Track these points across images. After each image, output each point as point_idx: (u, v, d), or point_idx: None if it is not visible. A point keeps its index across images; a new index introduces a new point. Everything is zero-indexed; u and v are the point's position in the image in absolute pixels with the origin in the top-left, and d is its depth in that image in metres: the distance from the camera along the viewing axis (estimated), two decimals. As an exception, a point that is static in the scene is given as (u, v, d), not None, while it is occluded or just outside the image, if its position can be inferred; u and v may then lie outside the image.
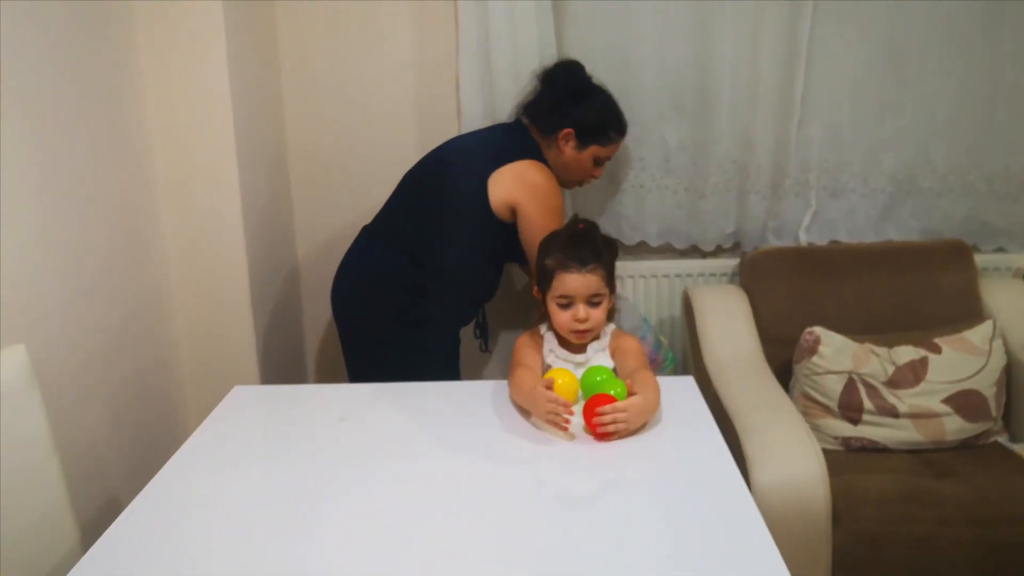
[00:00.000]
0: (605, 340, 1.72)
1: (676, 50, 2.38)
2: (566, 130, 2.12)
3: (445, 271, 2.08)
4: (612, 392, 1.51)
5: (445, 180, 2.10)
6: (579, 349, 1.71)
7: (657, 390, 1.55)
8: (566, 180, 2.19)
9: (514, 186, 2.03)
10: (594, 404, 1.48)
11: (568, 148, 2.13)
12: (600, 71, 2.36)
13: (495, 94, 2.32)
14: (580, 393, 1.60)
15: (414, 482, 1.37)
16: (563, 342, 1.72)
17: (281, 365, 2.44)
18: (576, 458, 1.44)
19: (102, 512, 1.83)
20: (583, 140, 2.13)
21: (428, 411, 1.64)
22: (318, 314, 2.64)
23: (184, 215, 2.14)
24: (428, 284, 2.08)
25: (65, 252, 1.77)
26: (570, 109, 2.12)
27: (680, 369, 2.47)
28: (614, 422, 1.45)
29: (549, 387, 1.52)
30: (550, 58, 2.30)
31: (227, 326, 2.20)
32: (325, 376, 2.71)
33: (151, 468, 1.45)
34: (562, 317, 1.67)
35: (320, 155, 2.53)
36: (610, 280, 1.70)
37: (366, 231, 2.19)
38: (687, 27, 2.35)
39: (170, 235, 2.16)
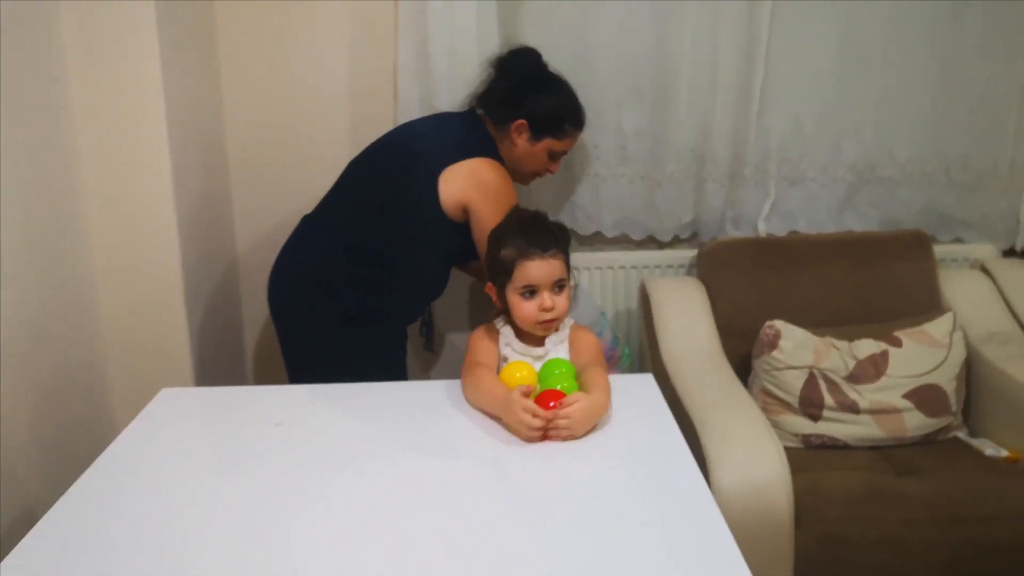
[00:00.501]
0: (564, 332, 1.63)
1: (634, 34, 2.29)
2: (519, 121, 2.00)
3: (394, 267, 1.97)
4: (561, 386, 1.45)
5: (394, 174, 1.98)
6: (538, 342, 1.62)
7: (606, 389, 1.47)
8: (520, 174, 2.08)
9: (466, 185, 1.92)
10: (542, 401, 1.40)
11: (521, 140, 2.03)
12: (555, 55, 2.26)
13: (432, 78, 2.22)
14: (537, 387, 1.51)
15: (360, 490, 1.27)
16: (521, 335, 1.63)
17: (217, 365, 2.30)
18: (534, 459, 1.35)
19: (15, 526, 1.69)
20: (536, 132, 2.02)
21: (374, 413, 1.53)
22: (258, 310, 2.51)
23: (110, 202, 1.98)
24: (374, 279, 1.96)
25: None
26: (523, 99, 2.01)
27: (637, 364, 2.39)
28: (555, 427, 1.36)
29: (526, 393, 1.42)
30: (490, 40, 2.20)
31: (158, 323, 2.06)
32: (265, 377, 2.58)
33: (72, 477, 1.33)
34: (526, 309, 1.57)
35: (260, 140, 2.39)
36: (568, 264, 1.62)
37: (306, 221, 2.07)
38: (645, 10, 2.27)
39: (95, 224, 2.00)
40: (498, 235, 1.65)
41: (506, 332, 1.65)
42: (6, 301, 1.70)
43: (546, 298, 1.56)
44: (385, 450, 1.39)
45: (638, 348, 2.43)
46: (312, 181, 2.28)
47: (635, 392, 1.59)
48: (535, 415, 1.38)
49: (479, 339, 1.66)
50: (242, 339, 2.55)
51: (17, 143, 1.72)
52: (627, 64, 2.31)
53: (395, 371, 2.04)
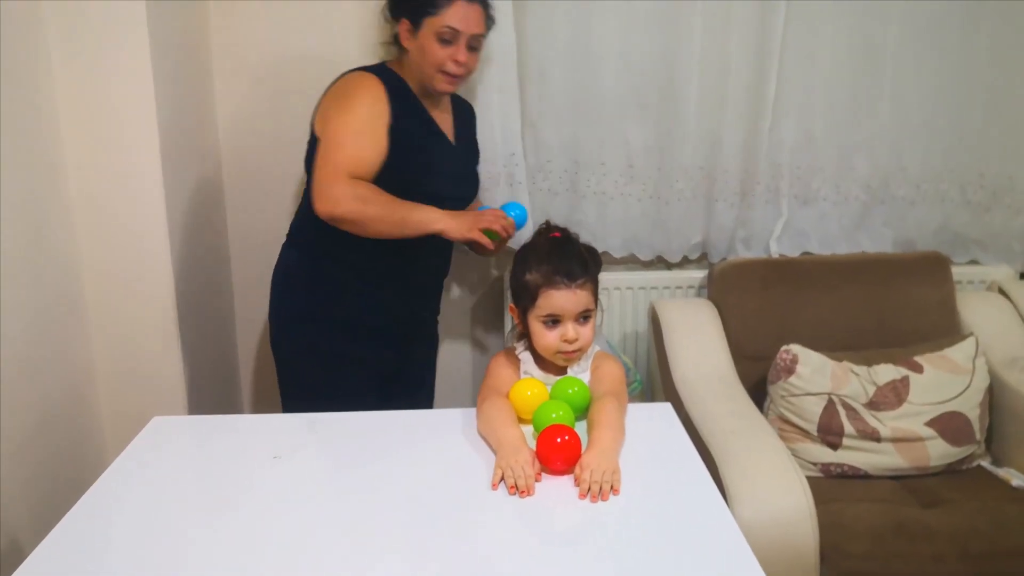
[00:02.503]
0: (587, 362, 1.55)
1: (640, 45, 2.22)
2: (400, 24, 1.85)
3: (326, 254, 1.89)
4: (556, 416, 1.38)
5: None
6: (559, 371, 1.55)
7: (612, 425, 1.38)
8: (429, 79, 1.84)
9: (322, 110, 1.83)
10: (547, 436, 1.32)
11: (410, 42, 1.83)
12: (560, 67, 2.23)
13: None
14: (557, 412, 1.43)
15: (363, 526, 1.19)
16: (541, 362, 1.56)
17: (212, 392, 2.21)
18: (553, 493, 1.27)
19: (1, 561, 1.60)
20: (413, 20, 1.82)
21: (383, 442, 1.45)
22: (252, 334, 2.42)
23: (99, 220, 1.89)
24: (321, 274, 1.90)
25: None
26: (394, 3, 1.88)
27: (648, 389, 2.31)
28: (600, 490, 1.26)
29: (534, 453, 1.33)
30: (508, 54, 2.14)
31: (150, 347, 1.96)
32: (264, 404, 2.49)
33: (61, 509, 1.25)
34: (548, 338, 1.49)
35: (254, 155, 2.31)
36: (596, 293, 1.54)
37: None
38: (652, 21, 2.20)
39: (83, 243, 1.91)
40: (524, 255, 1.57)
41: (526, 359, 1.57)
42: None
43: (570, 329, 1.48)
44: (394, 482, 1.31)
45: (647, 372, 2.35)
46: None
47: (654, 422, 1.51)
48: (527, 481, 1.27)
49: (498, 366, 1.58)
50: (236, 364, 2.46)
51: (1, 160, 1.64)
52: (633, 74, 2.24)
53: (374, 383, 1.96)
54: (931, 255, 2.27)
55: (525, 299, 1.53)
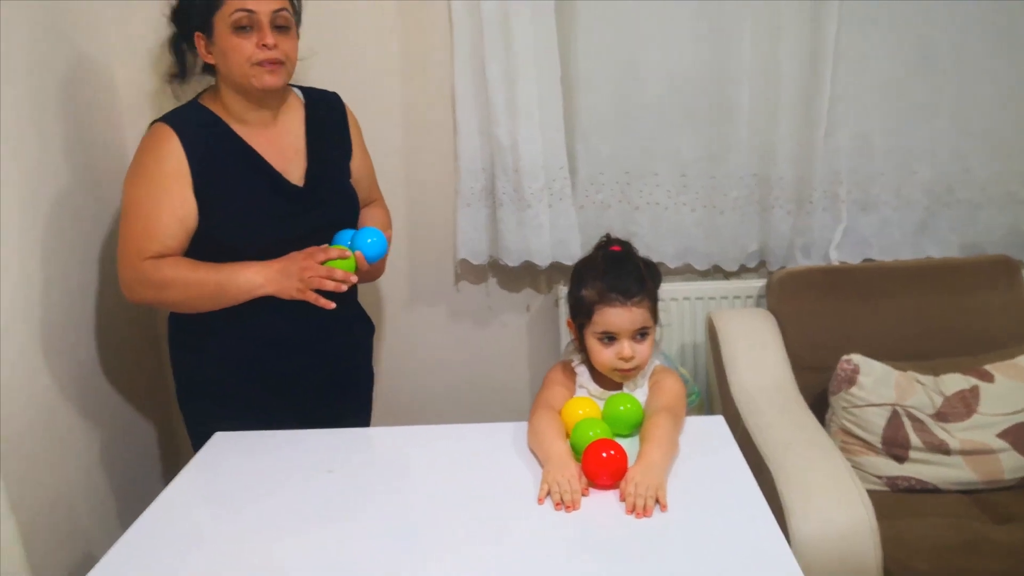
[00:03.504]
0: (645, 378, 1.54)
1: (688, 54, 2.19)
2: (196, 41, 1.65)
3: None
4: (594, 433, 1.37)
5: None
6: (615, 385, 1.54)
7: (662, 441, 1.36)
8: (244, 79, 1.63)
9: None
10: (594, 451, 1.31)
11: (209, 53, 1.64)
12: (608, 78, 2.22)
13: (490, 106, 2.16)
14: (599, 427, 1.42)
15: (410, 537, 1.22)
16: (598, 376, 1.56)
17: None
18: (602, 507, 1.27)
19: (75, 573, 1.67)
20: (203, 27, 1.62)
21: (432, 458, 1.46)
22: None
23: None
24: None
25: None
26: (177, 22, 1.70)
27: (706, 401, 2.28)
28: (643, 505, 1.24)
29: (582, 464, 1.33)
30: (550, 64, 2.13)
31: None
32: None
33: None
34: (604, 355, 1.49)
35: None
36: (655, 310, 1.52)
37: None
38: (700, 29, 2.17)
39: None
40: (581, 270, 1.57)
41: (582, 372, 1.57)
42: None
43: (625, 347, 1.47)
44: (443, 495, 1.33)
45: (705, 384, 2.32)
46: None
47: (705, 436, 1.49)
48: (573, 496, 1.27)
49: (553, 379, 1.58)
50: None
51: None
52: (681, 84, 2.21)
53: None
54: (999, 259, 2.19)
55: (581, 315, 1.52)
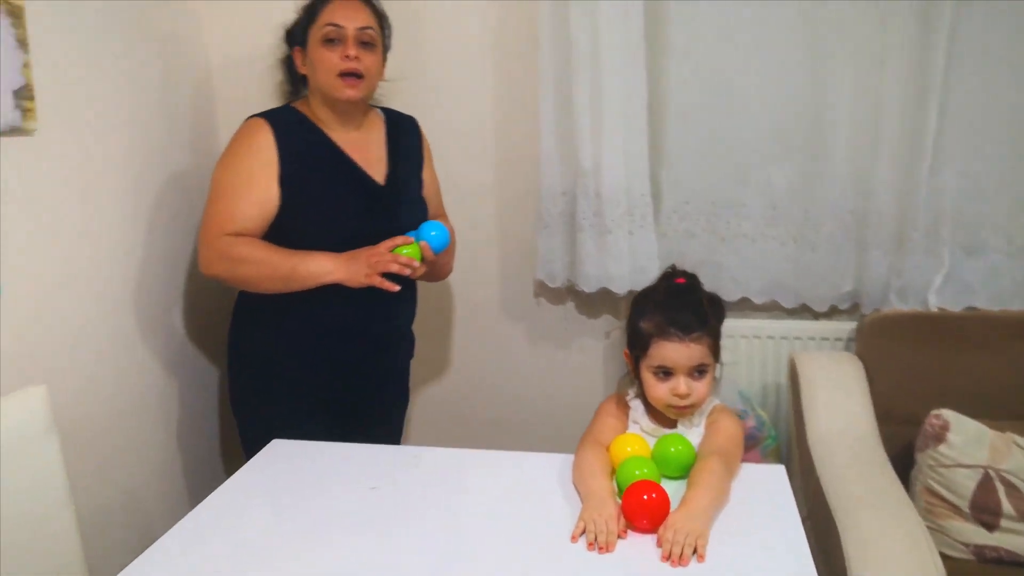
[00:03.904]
0: (702, 417, 1.48)
1: (784, 82, 2.11)
2: (295, 55, 1.83)
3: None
4: (640, 473, 1.31)
5: None
6: (669, 423, 1.48)
7: (710, 488, 1.29)
8: (332, 91, 1.76)
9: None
10: (634, 492, 1.26)
11: (305, 63, 1.80)
12: (700, 105, 2.16)
13: (574, 133, 2.13)
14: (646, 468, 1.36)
15: (432, 562, 1.20)
16: (652, 412, 1.50)
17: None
18: (630, 553, 1.21)
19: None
20: (301, 41, 1.80)
21: (476, 484, 1.45)
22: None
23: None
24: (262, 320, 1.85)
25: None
26: (287, 39, 1.86)
27: (784, 449, 2.17)
28: (680, 554, 1.18)
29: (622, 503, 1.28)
30: (637, 92, 2.10)
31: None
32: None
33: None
34: (659, 390, 1.44)
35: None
36: (716, 347, 1.46)
37: None
38: (798, 56, 2.09)
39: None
40: (640, 300, 1.53)
41: (636, 407, 1.52)
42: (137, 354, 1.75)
43: (681, 383, 1.41)
44: (475, 522, 1.32)
45: (785, 431, 2.21)
46: (461, 240, 2.26)
47: (761, 484, 1.41)
48: (608, 537, 1.22)
49: (605, 412, 1.54)
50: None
51: (167, 199, 1.80)
52: (776, 112, 2.13)
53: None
54: (1123, 316, 2.00)
55: (638, 347, 1.48)
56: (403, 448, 1.65)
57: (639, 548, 1.22)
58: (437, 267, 1.84)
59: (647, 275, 2.20)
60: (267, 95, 2.11)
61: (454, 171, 2.34)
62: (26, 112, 1.48)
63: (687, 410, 1.44)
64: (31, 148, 1.51)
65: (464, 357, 2.48)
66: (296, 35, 1.82)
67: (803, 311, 2.28)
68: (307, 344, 1.80)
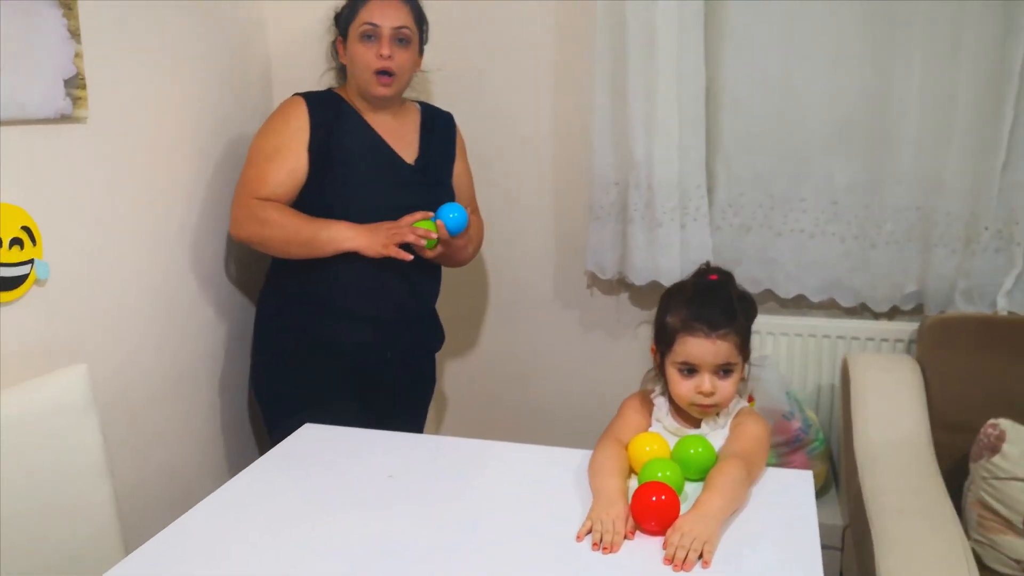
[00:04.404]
0: (728, 419, 1.44)
1: (849, 78, 2.03)
2: (338, 44, 1.91)
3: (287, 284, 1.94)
4: (661, 475, 1.28)
5: None
6: (694, 422, 1.45)
7: (725, 491, 1.25)
8: (367, 86, 1.85)
9: None
10: (643, 494, 1.23)
11: (346, 55, 1.88)
12: (759, 95, 2.10)
13: (628, 122, 2.09)
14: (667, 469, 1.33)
15: (435, 553, 1.20)
16: (677, 411, 1.47)
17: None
18: (635, 554, 1.19)
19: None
20: (343, 33, 1.88)
21: (490, 476, 1.45)
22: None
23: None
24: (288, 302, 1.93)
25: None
26: (337, 24, 1.91)
27: (834, 452, 2.10)
28: (684, 558, 1.15)
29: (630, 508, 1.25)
30: (694, 81, 2.04)
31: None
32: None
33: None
34: (683, 387, 1.41)
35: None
36: (744, 346, 1.41)
37: None
38: (863, 46, 2.00)
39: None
40: (670, 295, 1.50)
41: (660, 404, 1.49)
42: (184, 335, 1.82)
43: (706, 381, 1.38)
44: (483, 515, 1.31)
45: (834, 434, 2.13)
46: (510, 220, 2.25)
47: (784, 490, 1.36)
48: (614, 538, 1.20)
49: (629, 409, 1.51)
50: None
51: (210, 197, 1.90)
52: (839, 104, 2.05)
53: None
54: None
55: (664, 342, 1.44)
56: (426, 437, 1.66)
57: (644, 550, 1.20)
58: (453, 249, 1.86)
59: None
60: (320, 82, 2.15)
61: (509, 161, 2.34)
62: (77, 100, 1.54)
63: (711, 409, 1.41)
64: (82, 135, 1.58)
65: (515, 346, 2.48)
66: (341, 25, 1.89)
67: (862, 310, 2.19)
68: (328, 323, 1.86)
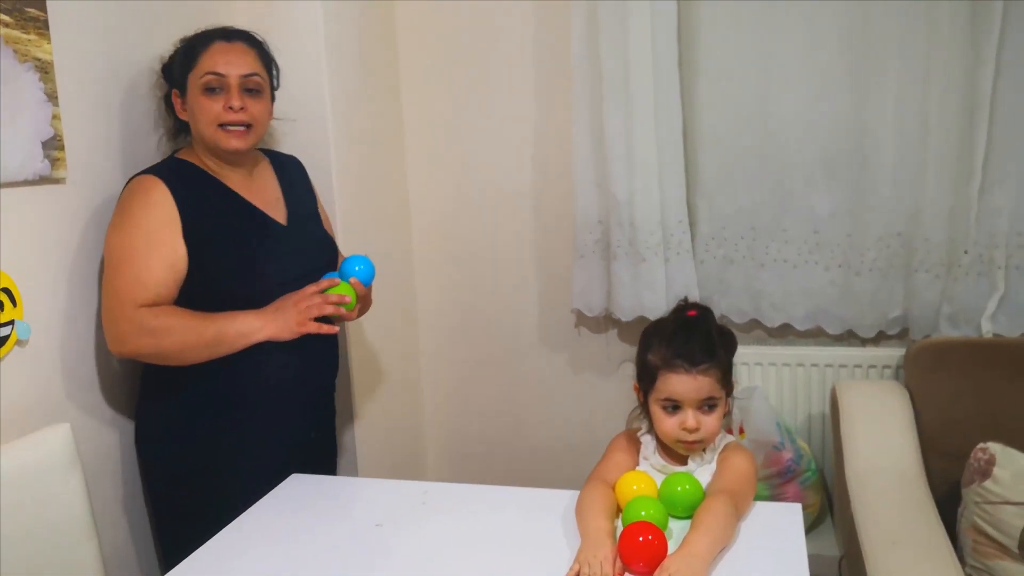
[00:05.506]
0: (714, 454, 1.43)
1: (825, 103, 2.07)
2: (174, 98, 1.68)
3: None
4: (645, 514, 1.27)
5: None
6: (682, 460, 1.44)
7: (711, 530, 1.24)
8: (216, 142, 1.63)
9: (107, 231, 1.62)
10: (630, 534, 1.22)
11: (184, 110, 1.66)
12: (737, 129, 2.13)
13: (607, 161, 2.12)
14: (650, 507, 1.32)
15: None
16: (664, 449, 1.46)
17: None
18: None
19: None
20: (180, 85, 1.65)
21: (477, 521, 1.43)
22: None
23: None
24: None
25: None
26: (164, 76, 1.72)
27: (827, 482, 2.09)
28: None
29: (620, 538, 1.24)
30: (672, 117, 2.08)
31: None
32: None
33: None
34: (667, 424, 1.40)
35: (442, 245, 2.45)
36: (726, 380, 1.41)
37: None
38: (837, 75, 2.05)
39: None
40: (650, 332, 1.50)
41: (647, 442, 1.48)
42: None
43: (690, 417, 1.37)
44: (472, 559, 1.30)
45: (830, 463, 2.12)
46: (495, 266, 2.26)
47: (773, 524, 1.35)
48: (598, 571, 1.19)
49: (615, 449, 1.50)
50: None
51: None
52: (817, 135, 2.09)
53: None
54: None
55: (646, 380, 1.44)
56: (413, 483, 1.65)
57: (633, 591, 1.19)
58: (367, 302, 1.75)
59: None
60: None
61: (490, 202, 2.37)
62: (55, 161, 1.56)
63: (696, 446, 1.40)
64: (61, 195, 1.59)
65: (506, 390, 2.50)
66: (174, 77, 1.67)
67: (849, 337, 2.20)
68: (251, 418, 1.67)
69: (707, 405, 1.38)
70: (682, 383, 1.37)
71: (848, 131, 2.07)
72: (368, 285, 1.69)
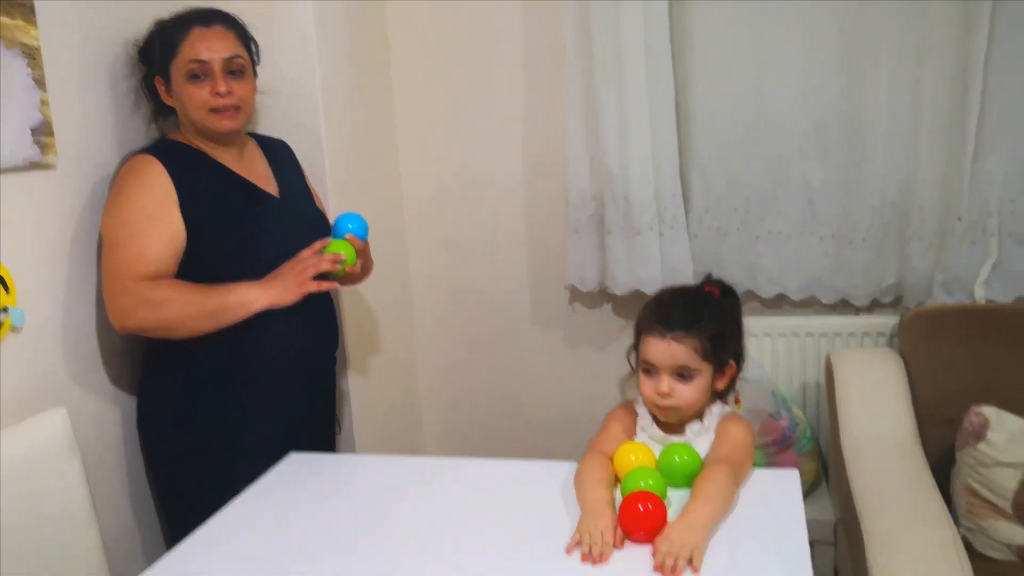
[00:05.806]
0: (711, 422, 1.44)
1: (818, 76, 2.08)
2: (157, 84, 1.68)
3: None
4: (645, 484, 1.27)
5: None
6: (678, 429, 1.45)
7: (711, 497, 1.26)
8: (205, 125, 1.65)
9: (104, 209, 1.64)
10: (630, 503, 1.23)
11: (172, 99, 1.67)
12: (729, 103, 2.13)
13: (600, 139, 2.12)
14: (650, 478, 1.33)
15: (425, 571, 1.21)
16: (661, 420, 1.47)
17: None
18: (625, 565, 1.19)
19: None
20: (162, 73, 1.66)
21: (480, 494, 1.44)
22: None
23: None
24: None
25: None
26: (142, 61, 1.72)
27: (822, 450, 2.10)
28: (673, 565, 1.15)
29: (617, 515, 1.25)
30: (664, 93, 2.07)
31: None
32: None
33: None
34: (644, 387, 1.42)
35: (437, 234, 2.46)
36: (713, 355, 1.41)
37: None
38: (831, 46, 2.05)
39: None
40: (651, 298, 1.51)
41: (643, 414, 1.49)
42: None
43: (663, 382, 1.38)
44: (474, 533, 1.31)
45: (825, 430, 2.14)
46: (489, 242, 2.26)
47: (771, 491, 1.37)
48: (603, 549, 1.20)
49: (612, 421, 1.51)
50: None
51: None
52: (811, 107, 2.09)
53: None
54: None
55: (635, 343, 1.46)
56: (412, 458, 1.66)
57: (634, 560, 1.20)
58: (365, 257, 1.75)
59: (680, 277, 2.17)
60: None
61: (482, 179, 2.36)
62: (45, 147, 1.55)
63: (668, 412, 1.41)
64: (51, 181, 1.58)
65: (502, 365, 2.50)
66: (154, 64, 1.68)
67: (844, 307, 2.21)
68: (256, 391, 1.68)
69: (680, 373, 1.38)
70: (655, 347, 1.39)
71: (841, 102, 2.07)
72: (364, 240, 1.70)
